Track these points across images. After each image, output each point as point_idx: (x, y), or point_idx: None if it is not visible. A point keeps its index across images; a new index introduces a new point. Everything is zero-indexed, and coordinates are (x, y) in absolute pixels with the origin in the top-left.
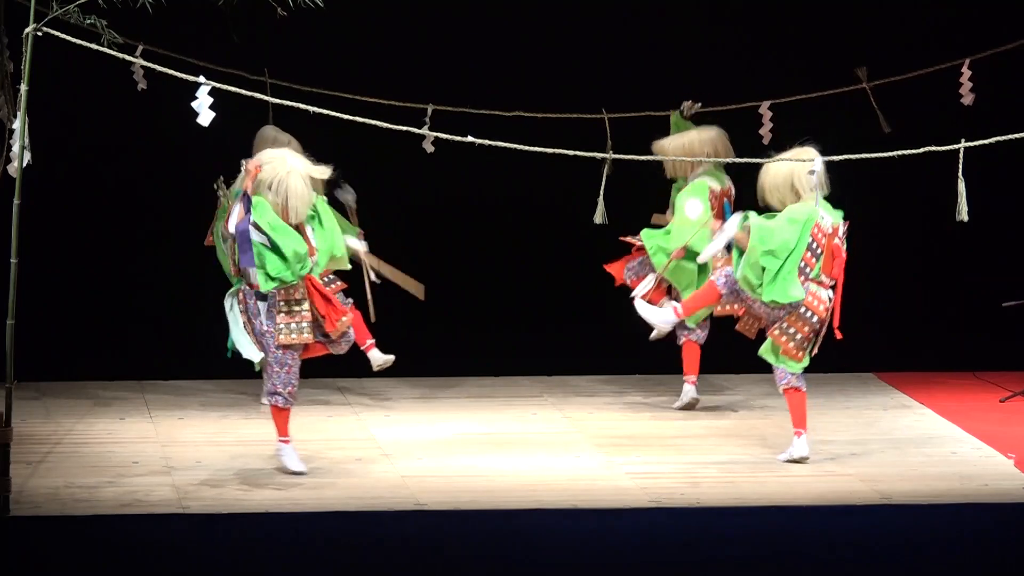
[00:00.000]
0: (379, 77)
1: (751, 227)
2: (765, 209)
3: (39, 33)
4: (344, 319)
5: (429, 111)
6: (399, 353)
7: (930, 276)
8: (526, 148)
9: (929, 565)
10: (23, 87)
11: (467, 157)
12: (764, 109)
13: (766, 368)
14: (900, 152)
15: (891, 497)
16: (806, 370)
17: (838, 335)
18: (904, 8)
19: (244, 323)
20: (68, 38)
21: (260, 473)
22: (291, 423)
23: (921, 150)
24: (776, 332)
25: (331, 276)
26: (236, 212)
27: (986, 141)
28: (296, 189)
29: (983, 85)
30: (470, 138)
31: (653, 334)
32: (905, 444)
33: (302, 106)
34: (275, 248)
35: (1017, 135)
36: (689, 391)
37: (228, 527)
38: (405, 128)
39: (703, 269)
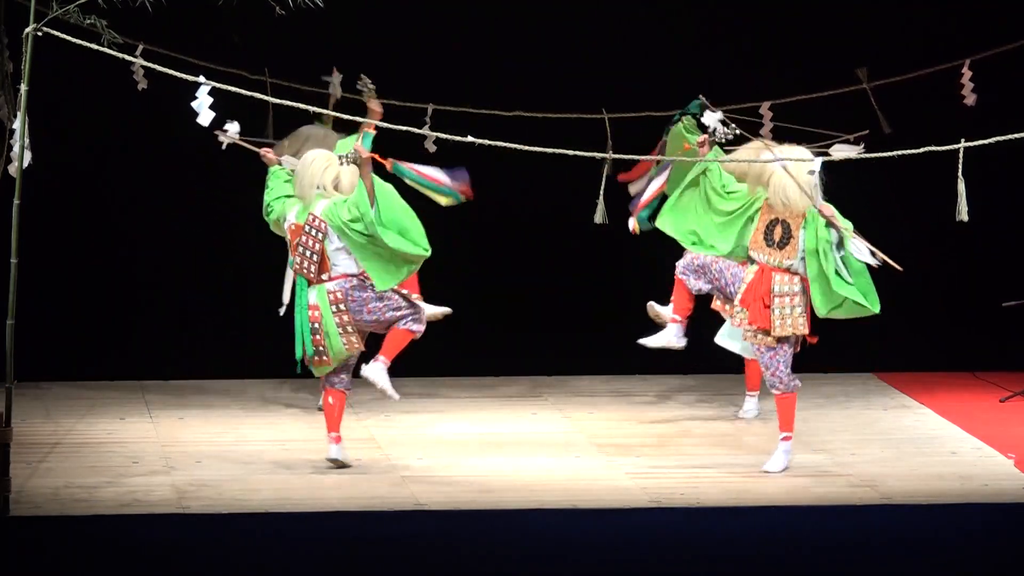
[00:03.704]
0: (379, 77)
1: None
2: None
3: (39, 33)
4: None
5: (429, 111)
6: (399, 353)
7: (930, 276)
8: (526, 148)
9: (929, 565)
10: (23, 87)
11: (467, 157)
12: (765, 109)
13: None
14: (900, 152)
15: (891, 497)
16: (807, 369)
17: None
18: (904, 8)
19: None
20: (68, 38)
21: (260, 473)
22: (289, 423)
23: (921, 150)
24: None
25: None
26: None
27: (986, 141)
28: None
29: (984, 85)
30: (470, 138)
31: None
32: (905, 444)
33: (302, 106)
34: None
35: (1017, 135)
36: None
37: (228, 527)
38: (405, 128)
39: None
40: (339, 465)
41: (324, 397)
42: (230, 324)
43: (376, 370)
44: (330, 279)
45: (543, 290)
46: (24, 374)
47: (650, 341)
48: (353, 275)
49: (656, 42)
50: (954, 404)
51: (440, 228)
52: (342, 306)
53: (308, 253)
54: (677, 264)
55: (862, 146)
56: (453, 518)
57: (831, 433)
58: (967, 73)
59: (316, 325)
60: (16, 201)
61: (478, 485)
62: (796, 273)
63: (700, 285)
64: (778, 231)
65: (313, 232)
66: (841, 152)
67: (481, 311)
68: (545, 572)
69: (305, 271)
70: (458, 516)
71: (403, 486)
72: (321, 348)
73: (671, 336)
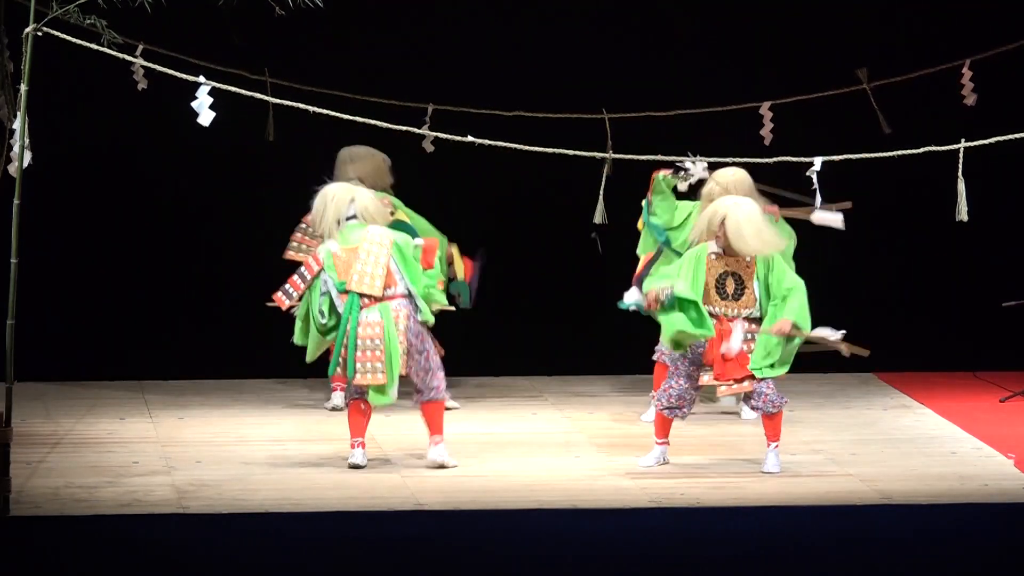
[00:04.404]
0: (379, 77)
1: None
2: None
3: (39, 33)
4: None
5: (429, 111)
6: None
7: (930, 276)
8: (526, 148)
9: (929, 565)
10: (23, 87)
11: (467, 157)
12: (765, 110)
13: None
14: (900, 152)
15: (891, 497)
16: (807, 369)
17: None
18: (904, 8)
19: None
20: (68, 38)
21: (260, 473)
22: (289, 423)
23: (921, 150)
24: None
25: None
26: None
27: (986, 141)
28: None
29: (984, 85)
30: (470, 138)
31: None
32: (905, 444)
33: (302, 106)
34: None
35: (1017, 135)
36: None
37: (228, 527)
38: (405, 128)
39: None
40: (357, 467)
41: (355, 404)
42: (230, 324)
43: (439, 452)
44: (392, 297)
45: (543, 290)
46: (24, 374)
47: (645, 461)
48: (409, 296)
49: (656, 42)
50: (954, 404)
51: (439, 228)
52: (400, 326)
53: (369, 269)
54: (658, 405)
55: (841, 216)
56: (453, 518)
57: (831, 433)
58: (967, 73)
59: (376, 342)
60: (16, 201)
61: (478, 485)
62: (756, 320)
63: (685, 412)
64: (730, 283)
65: (375, 248)
66: (823, 218)
67: (481, 311)
68: (545, 572)
69: (367, 287)
70: (458, 516)
71: (403, 486)
72: (379, 365)
73: (658, 456)
